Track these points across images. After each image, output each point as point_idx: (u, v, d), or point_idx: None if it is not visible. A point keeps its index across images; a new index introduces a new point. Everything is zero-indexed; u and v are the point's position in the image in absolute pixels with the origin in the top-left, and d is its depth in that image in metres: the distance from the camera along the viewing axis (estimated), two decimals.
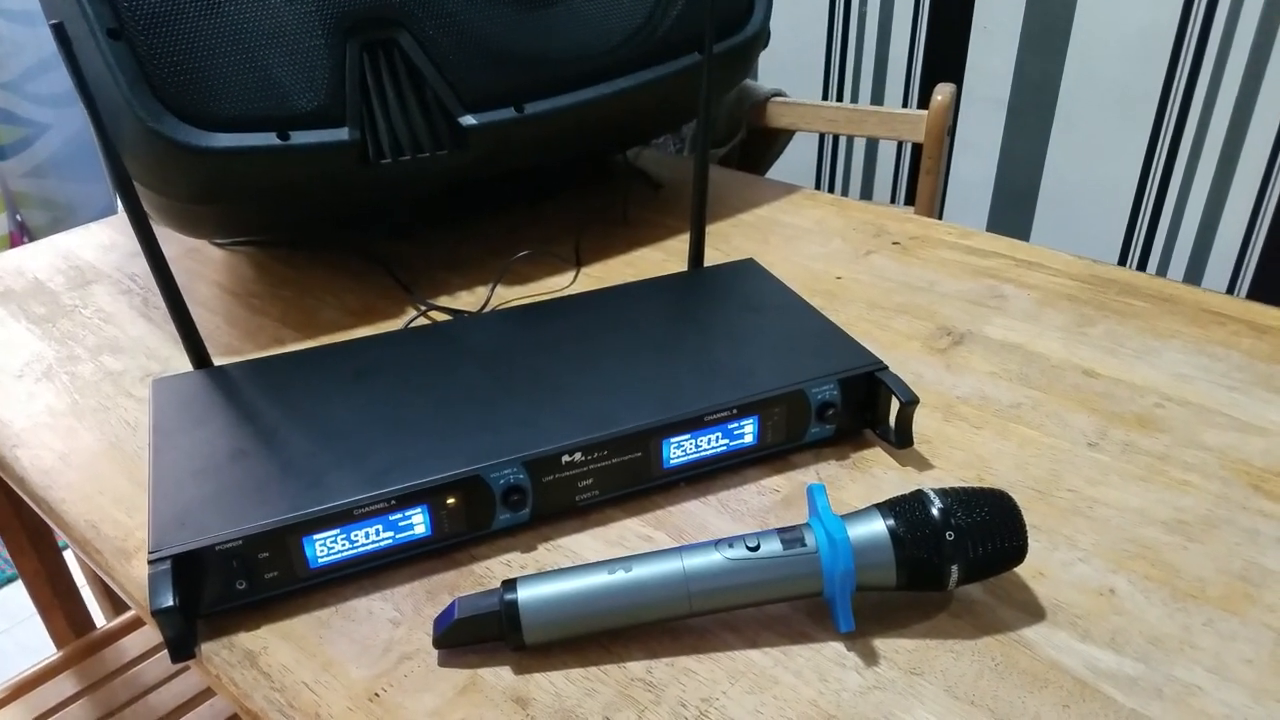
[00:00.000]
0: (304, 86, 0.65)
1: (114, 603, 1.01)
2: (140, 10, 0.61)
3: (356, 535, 0.48)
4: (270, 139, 0.64)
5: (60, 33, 0.49)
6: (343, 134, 0.66)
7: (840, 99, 1.67)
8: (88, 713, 0.81)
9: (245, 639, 0.46)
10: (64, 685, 0.84)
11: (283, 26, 0.65)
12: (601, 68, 0.77)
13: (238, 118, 0.64)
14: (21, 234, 2.22)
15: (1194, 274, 1.44)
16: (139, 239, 0.53)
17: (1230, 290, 1.42)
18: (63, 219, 2.19)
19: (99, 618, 1.02)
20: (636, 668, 0.44)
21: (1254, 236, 1.33)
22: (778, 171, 1.27)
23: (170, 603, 0.42)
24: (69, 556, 0.96)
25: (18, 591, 1.63)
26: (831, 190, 1.76)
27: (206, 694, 0.83)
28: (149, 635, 0.90)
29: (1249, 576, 0.48)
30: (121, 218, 0.92)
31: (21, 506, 0.90)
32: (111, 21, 0.61)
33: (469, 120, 0.71)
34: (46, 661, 0.87)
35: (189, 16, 0.62)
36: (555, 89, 0.74)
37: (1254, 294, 1.39)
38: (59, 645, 0.95)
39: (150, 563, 0.44)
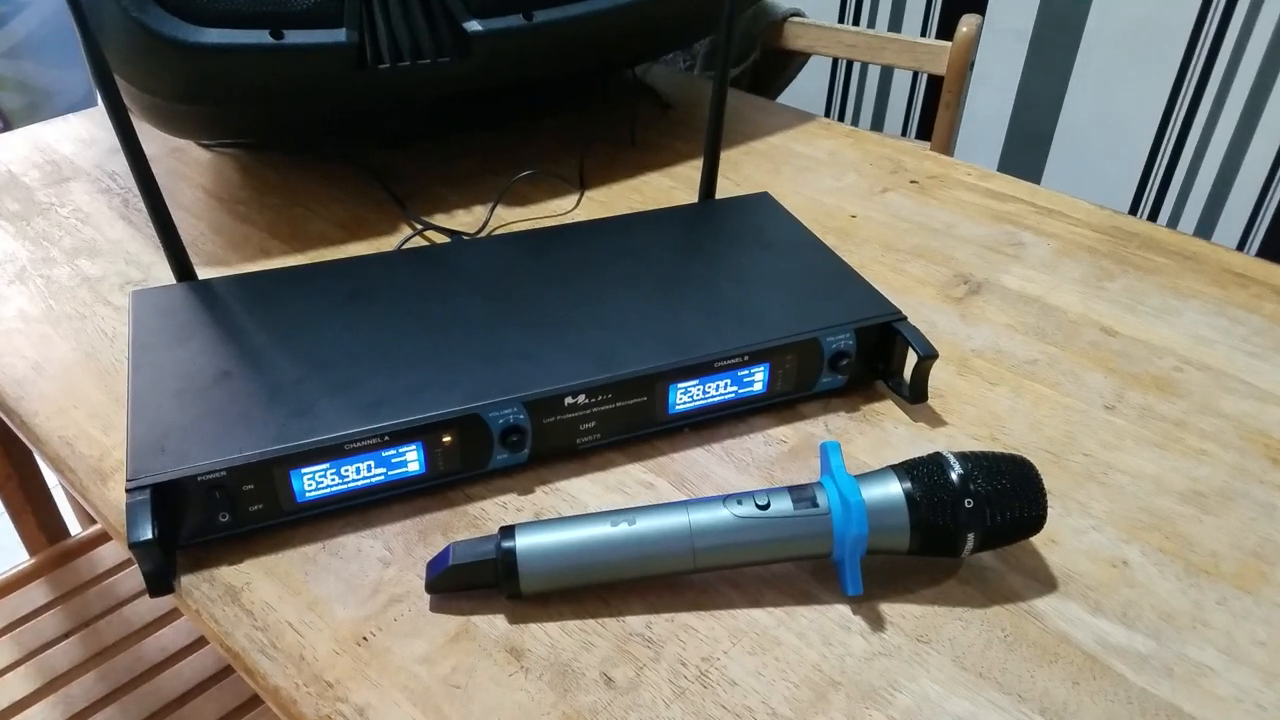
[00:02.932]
0: None
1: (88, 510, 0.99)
2: None
3: (347, 470, 0.45)
4: (263, 37, 0.60)
5: None
6: (340, 35, 0.62)
7: (857, 23, 1.61)
8: (60, 623, 0.79)
9: (227, 573, 0.44)
10: (35, 594, 0.82)
11: None
12: None
13: (229, 12, 0.59)
14: None
15: (1206, 225, 1.41)
16: (120, 140, 0.50)
17: (1242, 245, 1.39)
18: (40, 104, 2.10)
19: (73, 523, 1.00)
20: (636, 622, 0.43)
21: (1271, 190, 1.30)
22: (787, 96, 1.22)
23: (149, 535, 0.40)
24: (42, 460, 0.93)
25: None
26: (842, 118, 1.71)
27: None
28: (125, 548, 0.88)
29: (1264, 554, 0.46)
30: (103, 111, 0.87)
31: None
32: None
33: (474, 26, 0.66)
34: (18, 568, 0.85)
35: None
36: None
37: (1265, 251, 1.37)
38: (31, 551, 0.93)
39: (128, 491, 0.41)
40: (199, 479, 0.42)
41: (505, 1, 0.67)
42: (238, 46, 0.59)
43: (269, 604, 0.43)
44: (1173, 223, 1.44)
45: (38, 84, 2.06)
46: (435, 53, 0.66)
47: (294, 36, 0.61)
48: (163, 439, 0.44)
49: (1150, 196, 1.43)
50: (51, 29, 2.02)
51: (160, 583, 0.42)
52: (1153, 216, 1.45)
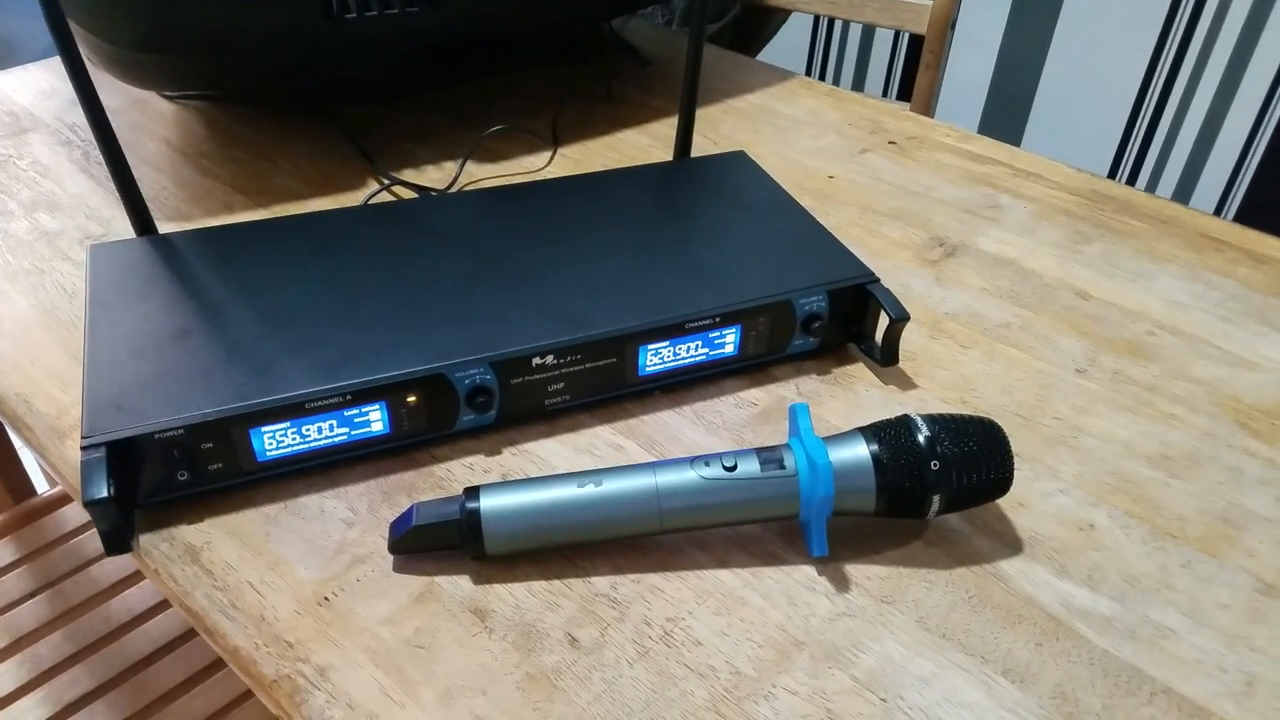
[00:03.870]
0: None
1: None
2: None
3: (309, 430, 0.45)
4: None
5: None
6: None
7: None
8: (26, 582, 0.78)
9: (187, 532, 0.43)
10: (1, 552, 0.81)
11: None
12: None
13: None
14: None
15: (1185, 189, 1.41)
16: (76, 89, 0.48)
17: (1219, 209, 1.39)
18: (2, 56, 2.04)
19: (39, 481, 0.99)
20: (601, 583, 0.42)
21: (1249, 157, 1.30)
22: (768, 53, 1.20)
23: (104, 494, 0.39)
24: None
25: None
26: (823, 78, 1.69)
27: None
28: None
29: (1230, 518, 0.47)
30: (59, 61, 0.85)
31: None
32: None
33: None
34: None
35: None
36: None
37: (1242, 215, 1.37)
38: None
39: (83, 449, 0.40)
40: (156, 437, 0.41)
41: None
42: None
43: (229, 564, 0.42)
44: (1151, 186, 1.44)
45: (1, 32, 2.01)
46: (404, 3, 0.64)
47: None
48: (119, 396, 0.43)
49: (1129, 160, 1.43)
50: None
51: (117, 541, 0.41)
52: (1131, 179, 1.45)
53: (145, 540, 0.43)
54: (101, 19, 0.59)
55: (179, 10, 0.59)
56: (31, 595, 0.78)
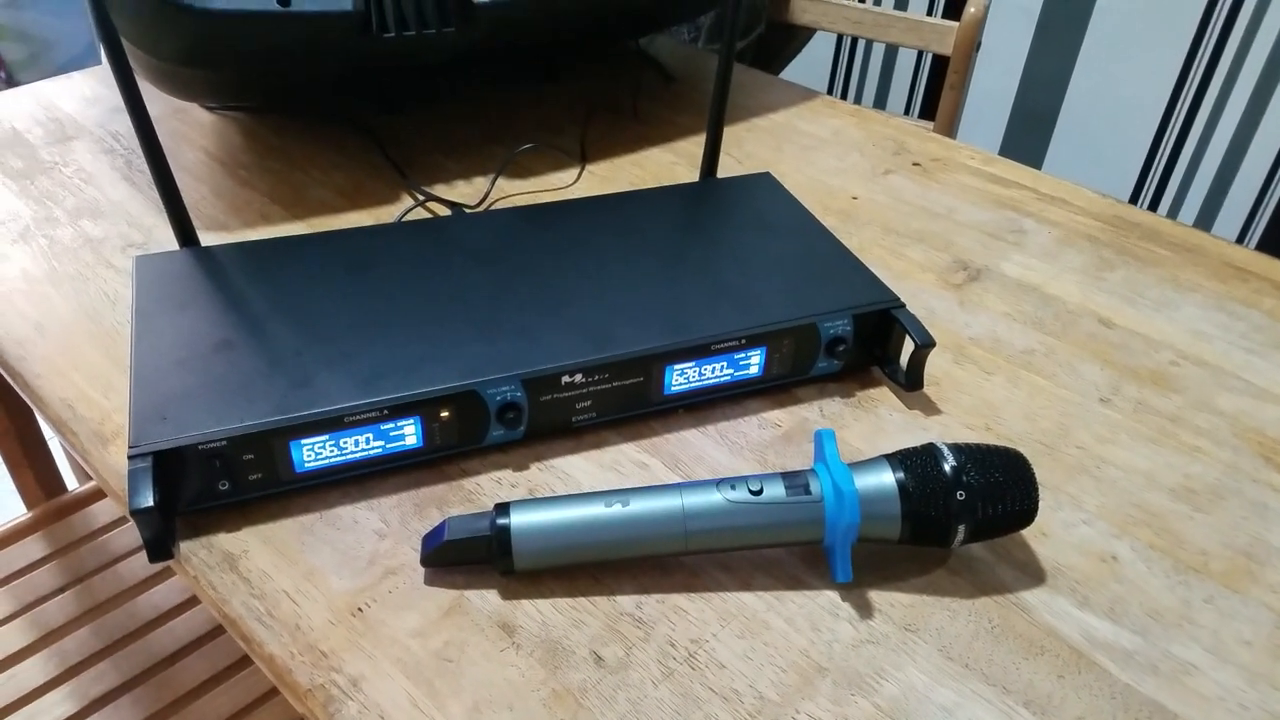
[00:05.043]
0: None
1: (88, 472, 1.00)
2: None
3: (346, 442, 0.46)
4: (270, 4, 0.59)
5: None
6: (345, 3, 0.61)
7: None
8: (55, 577, 0.80)
9: (225, 540, 0.44)
10: (32, 548, 0.83)
11: None
12: None
13: None
14: None
15: (1207, 216, 1.41)
16: (128, 108, 0.49)
17: (1242, 237, 1.39)
18: (40, 54, 2.07)
19: (69, 478, 1.01)
20: (626, 602, 0.43)
21: (1274, 183, 1.30)
22: (791, 71, 1.21)
23: (149, 502, 0.40)
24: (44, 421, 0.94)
25: None
26: (845, 95, 1.69)
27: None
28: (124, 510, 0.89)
29: (1253, 553, 0.47)
30: (104, 70, 0.86)
31: None
32: None
33: None
34: (15, 522, 0.86)
35: None
36: None
37: (1266, 241, 1.37)
38: (28, 505, 0.94)
39: (130, 458, 0.42)
40: (199, 448, 0.43)
41: None
42: (245, 13, 0.59)
43: (266, 572, 0.43)
44: (1174, 211, 1.44)
45: (38, 34, 2.04)
46: (440, 22, 0.65)
47: (301, 3, 0.60)
48: (164, 407, 0.44)
49: (1153, 183, 1.43)
50: None
51: (160, 548, 0.42)
52: (1154, 203, 1.44)
53: (185, 547, 0.44)
54: (148, 33, 0.61)
55: (222, 27, 0.60)
56: (60, 591, 0.79)
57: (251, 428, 0.43)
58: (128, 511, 0.42)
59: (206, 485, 0.44)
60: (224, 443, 0.43)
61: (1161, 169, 1.40)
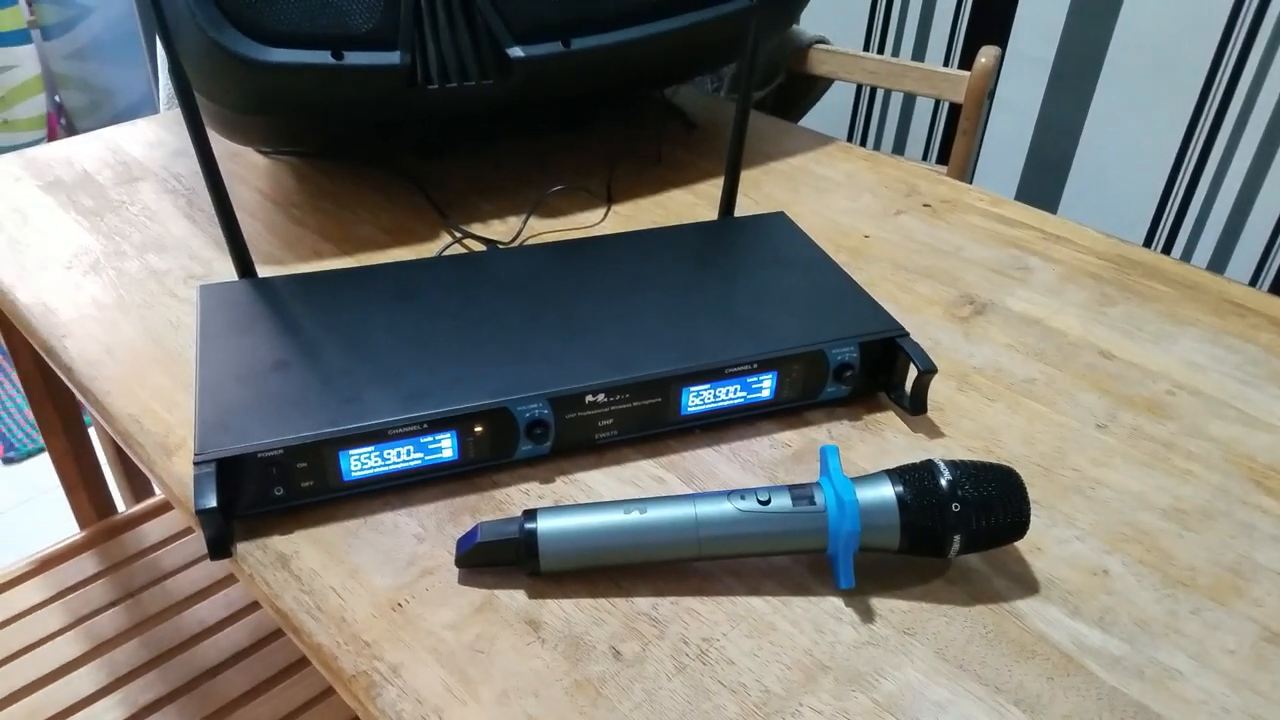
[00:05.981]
0: (361, 8, 0.66)
1: (134, 488, 1.05)
2: None
3: (389, 453, 0.50)
4: (325, 57, 0.65)
5: None
6: (394, 57, 0.67)
7: (882, 50, 1.64)
8: (107, 592, 0.85)
9: (278, 542, 0.49)
10: (86, 564, 0.88)
11: None
12: (649, 6, 0.76)
13: (295, 34, 0.64)
14: (59, 115, 2.22)
15: (1220, 260, 1.43)
16: (197, 153, 0.55)
17: (1254, 281, 1.41)
18: (100, 102, 2.18)
19: (119, 500, 1.06)
20: (643, 603, 0.47)
21: None
22: (812, 117, 1.26)
23: (213, 504, 0.45)
24: (93, 437, 0.99)
25: (39, 465, 1.67)
26: (864, 141, 1.74)
27: (222, 583, 0.87)
28: (170, 522, 0.94)
29: (1240, 570, 0.50)
30: (166, 116, 0.93)
31: (55, 387, 0.93)
32: None
33: (516, 52, 0.71)
34: (70, 540, 0.91)
35: None
36: (602, 26, 0.74)
37: (1279, 286, 1.39)
38: (82, 525, 0.99)
39: (196, 464, 0.46)
40: (258, 456, 0.47)
41: (545, 29, 0.72)
42: (302, 65, 0.65)
43: (315, 570, 0.47)
44: (1187, 254, 1.46)
45: (99, 83, 2.14)
46: (480, 75, 0.71)
47: (353, 57, 0.66)
48: (226, 419, 0.48)
49: (1166, 227, 1.45)
50: (116, 33, 2.10)
51: (220, 547, 0.46)
52: (1168, 247, 1.47)
53: (242, 548, 0.48)
54: (211, 82, 0.66)
55: (280, 78, 0.65)
56: (111, 605, 0.84)
57: (305, 438, 0.48)
58: (192, 512, 0.46)
59: (263, 491, 0.48)
60: (280, 451, 0.47)
61: (1174, 214, 1.43)
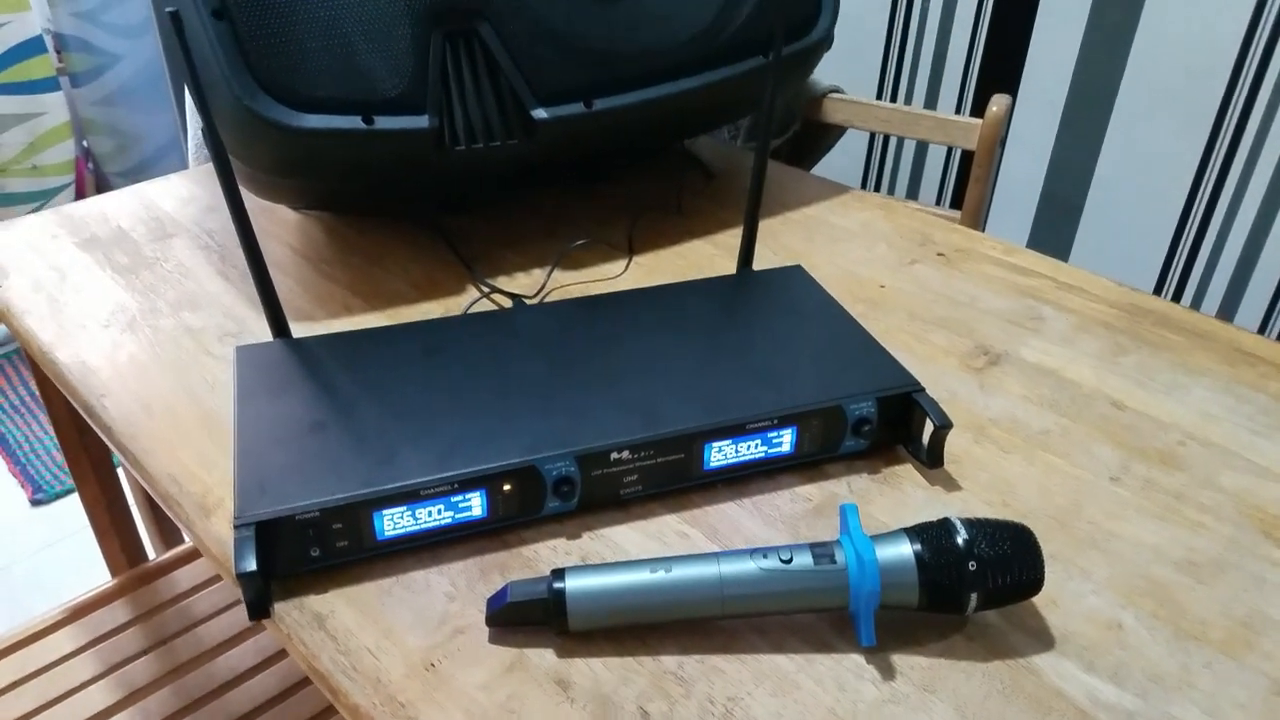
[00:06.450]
0: (389, 73, 0.68)
1: (163, 534, 1.07)
2: None
3: (421, 513, 0.51)
4: (356, 122, 0.67)
5: (176, 22, 0.52)
6: (423, 121, 0.69)
7: (895, 97, 1.67)
8: (139, 640, 0.86)
9: (314, 602, 0.50)
10: (118, 612, 0.89)
11: (373, 14, 0.67)
12: (668, 66, 0.79)
13: (327, 100, 0.67)
14: (87, 160, 2.27)
15: (1230, 305, 1.44)
16: (235, 224, 0.57)
17: (1264, 326, 1.42)
18: (127, 147, 2.22)
19: (149, 546, 1.08)
20: (670, 661, 0.48)
21: None
22: (829, 161, 1.28)
23: (253, 567, 0.46)
24: (123, 480, 1.01)
25: (67, 506, 1.70)
26: (878, 186, 1.76)
27: (252, 629, 0.88)
28: (200, 569, 0.95)
29: (1251, 623, 0.50)
30: (197, 171, 0.96)
31: (87, 435, 0.95)
32: (216, 2, 0.64)
33: (540, 113, 0.73)
34: (102, 588, 0.93)
35: (288, 2, 0.65)
36: (623, 86, 0.77)
37: None
38: (113, 571, 1.01)
39: (235, 528, 0.48)
40: (296, 518, 0.49)
41: (568, 90, 0.74)
42: (334, 130, 0.67)
43: (350, 630, 0.49)
44: (1198, 299, 1.47)
45: (126, 129, 2.19)
46: (505, 135, 0.73)
47: (383, 122, 0.68)
48: (264, 482, 0.50)
49: (1176, 271, 1.47)
50: (143, 79, 2.15)
51: (260, 608, 0.48)
52: (1179, 291, 1.48)
53: (279, 608, 0.50)
54: (244, 147, 0.69)
55: (313, 143, 0.68)
56: (144, 653, 0.85)
57: (341, 500, 0.49)
58: (233, 575, 0.48)
59: (300, 551, 0.50)
60: (317, 513, 0.49)
61: (1184, 259, 1.45)
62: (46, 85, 2.07)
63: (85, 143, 2.25)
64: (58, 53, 2.12)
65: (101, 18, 2.07)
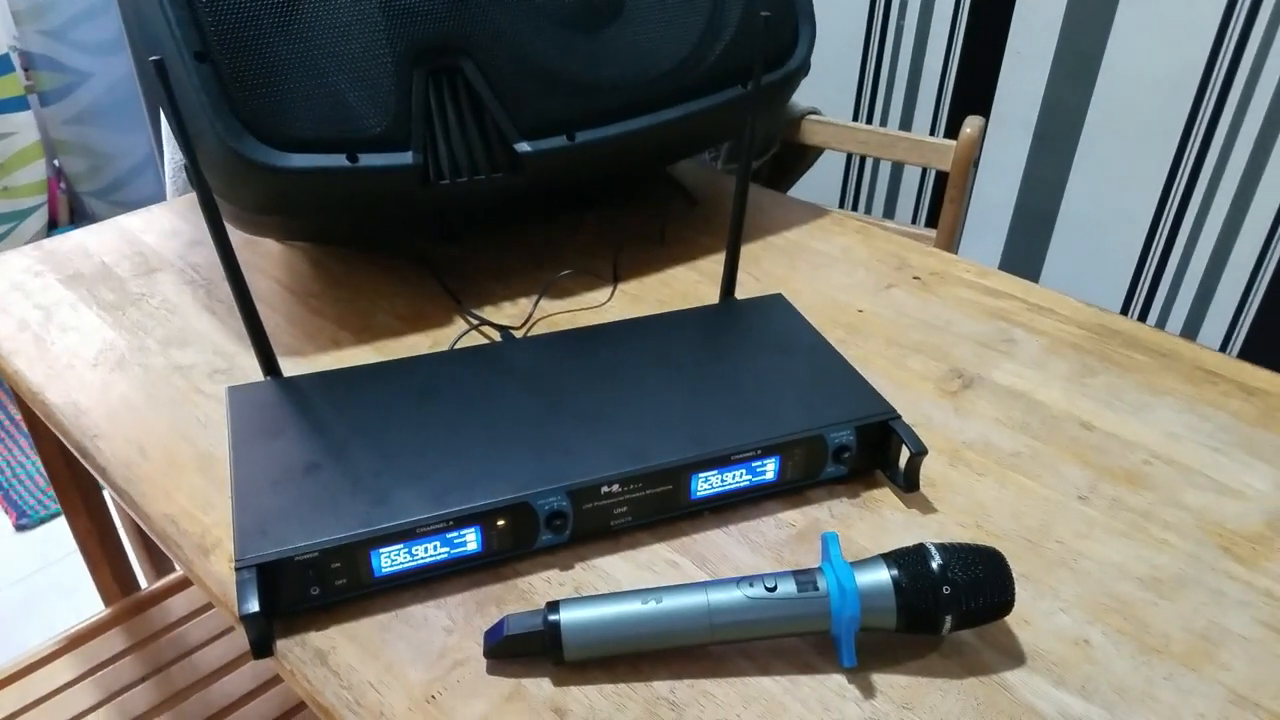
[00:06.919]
0: (373, 111, 0.70)
1: (154, 562, 1.08)
2: (225, 35, 0.66)
3: (417, 550, 0.53)
4: (340, 160, 0.69)
5: (161, 70, 0.53)
6: (407, 157, 0.71)
7: (871, 118, 1.70)
8: (136, 668, 0.87)
9: (316, 638, 0.52)
10: (113, 641, 0.90)
11: (356, 54, 0.69)
12: (649, 97, 0.81)
13: (311, 140, 0.68)
14: (59, 180, 2.26)
15: (1195, 319, 1.48)
16: (224, 266, 0.59)
17: (1226, 341, 1.46)
18: (101, 166, 2.22)
19: (140, 575, 1.09)
20: (662, 687, 0.50)
21: (1254, 290, 1.37)
22: (807, 181, 1.31)
23: (256, 608, 0.48)
24: (112, 510, 1.02)
25: (52, 531, 1.70)
26: (855, 205, 1.80)
27: (247, 655, 0.89)
28: (193, 597, 0.96)
29: (1209, 635, 0.53)
30: (178, 202, 0.97)
31: (76, 467, 0.96)
32: (198, 45, 0.65)
33: (524, 147, 0.75)
34: (97, 617, 0.93)
35: (270, 43, 0.67)
36: (605, 118, 0.79)
37: (1249, 344, 1.43)
38: (106, 600, 1.01)
39: (236, 570, 0.49)
40: (296, 559, 0.50)
41: (551, 124, 0.76)
42: (319, 169, 0.69)
43: (352, 665, 0.50)
44: (1163, 316, 1.51)
45: (99, 148, 2.19)
46: (489, 169, 0.75)
47: (367, 159, 0.70)
48: (263, 524, 0.52)
49: (1143, 291, 1.51)
50: (115, 97, 2.15)
51: (263, 648, 0.49)
52: (1145, 309, 1.52)
53: (282, 645, 0.51)
54: (229, 187, 0.70)
55: (298, 182, 0.69)
56: (141, 680, 0.86)
57: (339, 540, 0.51)
58: (235, 615, 0.49)
59: (300, 591, 0.52)
60: (317, 554, 0.51)
61: (1150, 277, 1.49)
62: (15, 105, 2.06)
63: (57, 162, 2.25)
64: (25, 71, 2.11)
65: (70, 35, 2.06)
